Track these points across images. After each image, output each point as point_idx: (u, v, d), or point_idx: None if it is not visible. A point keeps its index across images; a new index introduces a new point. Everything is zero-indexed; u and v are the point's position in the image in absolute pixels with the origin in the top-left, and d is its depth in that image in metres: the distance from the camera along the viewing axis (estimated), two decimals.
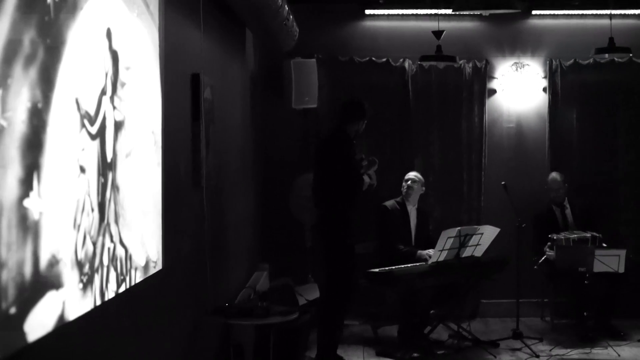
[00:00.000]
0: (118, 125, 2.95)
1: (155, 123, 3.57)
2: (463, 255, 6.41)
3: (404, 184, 7.08)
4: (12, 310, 2.04)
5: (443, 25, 7.12)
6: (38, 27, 2.18)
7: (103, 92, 2.77)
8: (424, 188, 7.14)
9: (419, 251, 6.77)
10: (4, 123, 1.97)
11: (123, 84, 3.02)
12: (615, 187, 7.85)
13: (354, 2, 7.73)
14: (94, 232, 2.66)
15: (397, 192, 7.10)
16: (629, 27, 7.69)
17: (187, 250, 4.38)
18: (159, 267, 3.60)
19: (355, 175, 5.92)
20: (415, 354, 6.41)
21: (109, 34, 2.84)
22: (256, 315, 4.69)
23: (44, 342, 2.24)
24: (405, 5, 7.68)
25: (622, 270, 6.34)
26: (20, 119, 2.07)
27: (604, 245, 6.85)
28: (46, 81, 2.24)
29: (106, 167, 2.81)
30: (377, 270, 6.32)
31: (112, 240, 2.88)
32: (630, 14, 7.75)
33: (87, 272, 2.60)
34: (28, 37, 2.11)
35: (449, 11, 7.27)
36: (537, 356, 6.37)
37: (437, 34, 6.96)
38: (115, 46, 2.91)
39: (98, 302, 2.72)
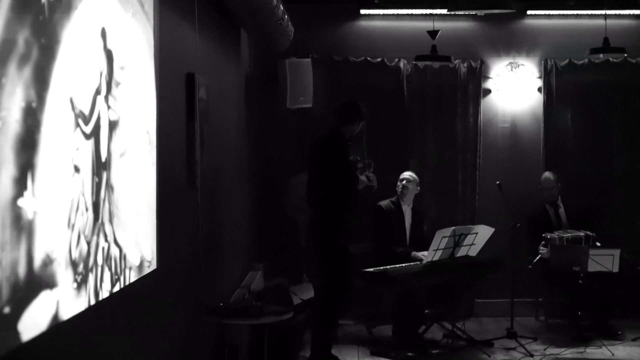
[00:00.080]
0: (112, 125, 2.95)
1: (150, 123, 3.57)
2: (458, 255, 6.43)
3: (398, 183, 7.09)
4: (6, 309, 2.04)
5: (438, 25, 7.12)
6: (32, 26, 2.18)
7: (97, 92, 2.77)
8: (418, 188, 7.14)
9: (414, 252, 6.78)
10: None
11: (118, 84, 3.02)
12: (610, 188, 7.85)
13: (349, 2, 7.73)
14: (88, 231, 2.66)
15: (392, 192, 7.10)
16: (623, 27, 7.70)
17: (182, 250, 4.37)
18: (154, 266, 3.60)
19: (350, 176, 5.92)
20: (409, 354, 6.42)
21: (103, 34, 2.84)
22: (251, 315, 4.69)
23: (38, 342, 2.24)
24: (401, 5, 7.68)
25: (616, 269, 6.36)
26: (15, 119, 2.07)
27: (598, 244, 6.86)
28: (40, 81, 2.24)
29: (100, 166, 2.81)
30: (371, 270, 6.33)
31: (106, 240, 2.88)
32: (625, 14, 7.76)
33: (82, 272, 2.60)
34: (22, 36, 2.11)
35: (444, 11, 7.28)
36: (532, 355, 6.38)
37: (432, 33, 6.96)
38: (109, 46, 2.91)
39: (92, 302, 2.72)
